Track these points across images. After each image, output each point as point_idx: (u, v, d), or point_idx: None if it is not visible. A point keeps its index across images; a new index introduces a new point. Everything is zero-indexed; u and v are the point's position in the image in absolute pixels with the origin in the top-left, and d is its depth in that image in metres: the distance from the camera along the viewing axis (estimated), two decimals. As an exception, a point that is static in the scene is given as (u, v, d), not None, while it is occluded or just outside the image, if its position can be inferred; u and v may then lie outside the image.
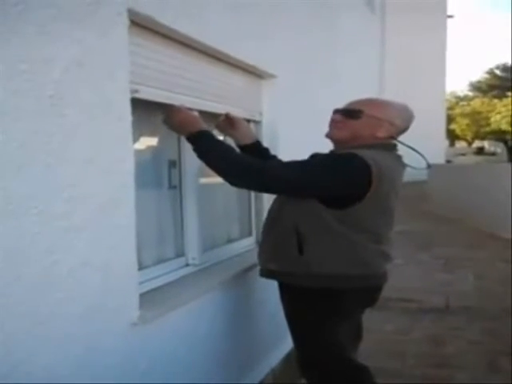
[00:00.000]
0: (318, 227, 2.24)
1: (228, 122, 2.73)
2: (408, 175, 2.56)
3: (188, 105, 2.49)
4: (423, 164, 2.50)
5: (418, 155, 2.41)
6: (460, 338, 4.41)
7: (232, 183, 2.33)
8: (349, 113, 2.38)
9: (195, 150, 2.28)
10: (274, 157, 2.83)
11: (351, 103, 2.42)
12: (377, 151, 2.25)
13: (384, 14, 8.66)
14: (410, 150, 2.37)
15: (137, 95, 2.12)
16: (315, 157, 2.39)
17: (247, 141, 2.76)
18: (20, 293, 1.55)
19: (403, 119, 2.40)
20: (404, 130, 2.43)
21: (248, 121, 3.06)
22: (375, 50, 8.43)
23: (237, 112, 2.87)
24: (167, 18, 2.17)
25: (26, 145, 1.53)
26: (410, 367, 3.83)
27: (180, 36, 2.35)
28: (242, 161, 2.27)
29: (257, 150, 2.75)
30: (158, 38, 2.30)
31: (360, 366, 2.47)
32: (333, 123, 2.42)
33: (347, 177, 2.16)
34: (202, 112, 2.68)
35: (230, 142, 2.84)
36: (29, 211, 1.55)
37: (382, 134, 2.34)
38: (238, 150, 2.68)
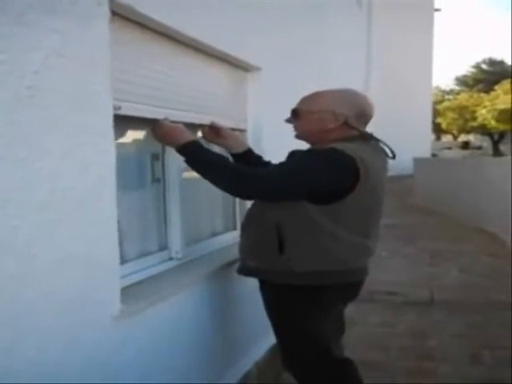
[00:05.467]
0: (300, 223, 2.22)
1: (213, 131, 2.72)
2: (394, 169, 2.56)
3: (168, 117, 2.48)
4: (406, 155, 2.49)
5: (400, 146, 2.40)
6: (443, 331, 4.45)
7: (227, 192, 2.35)
8: (292, 114, 2.43)
9: (186, 161, 2.27)
10: (269, 163, 2.78)
11: (298, 103, 2.45)
12: (354, 143, 2.24)
13: (371, 7, 8.65)
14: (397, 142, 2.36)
15: (119, 112, 2.12)
16: (295, 155, 2.37)
17: (239, 149, 2.74)
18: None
19: (350, 104, 2.35)
20: (360, 115, 2.36)
21: (233, 130, 3.05)
22: (362, 44, 8.43)
23: (221, 122, 2.82)
24: (148, 8, 2.15)
25: (2, 136, 1.50)
26: (393, 360, 3.86)
27: (162, 27, 2.33)
28: (234, 169, 2.24)
29: (249, 158, 2.74)
30: (141, 30, 2.28)
31: (344, 359, 2.48)
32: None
33: (336, 172, 2.14)
34: (185, 124, 2.65)
35: (221, 151, 2.83)
36: (6, 204, 1.53)
37: (332, 125, 2.32)
38: (230, 158, 2.68)
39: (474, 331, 4.44)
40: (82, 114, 1.80)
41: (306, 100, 2.43)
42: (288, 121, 2.46)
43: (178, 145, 2.29)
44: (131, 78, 2.28)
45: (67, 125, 1.74)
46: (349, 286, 2.40)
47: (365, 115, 2.39)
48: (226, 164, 2.26)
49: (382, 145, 2.39)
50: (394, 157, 2.38)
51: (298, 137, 2.47)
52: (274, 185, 2.17)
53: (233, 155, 2.74)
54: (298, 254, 2.24)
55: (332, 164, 2.14)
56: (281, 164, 2.27)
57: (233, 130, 3.03)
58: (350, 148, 2.17)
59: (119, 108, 2.12)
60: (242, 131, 3.37)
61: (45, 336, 1.71)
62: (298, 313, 2.34)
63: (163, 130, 2.38)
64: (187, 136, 2.33)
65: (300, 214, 2.21)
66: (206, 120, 2.75)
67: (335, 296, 2.37)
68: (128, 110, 2.23)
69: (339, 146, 2.18)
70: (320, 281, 2.27)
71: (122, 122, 2.25)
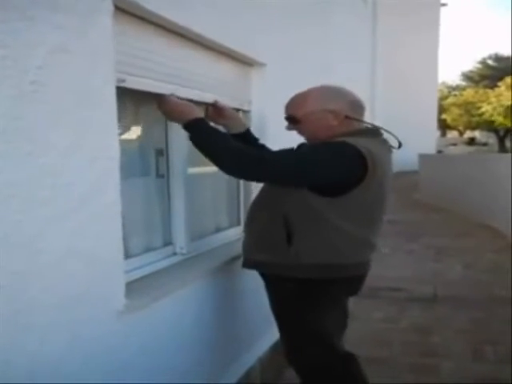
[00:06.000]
0: (307, 216, 2.23)
1: (216, 111, 2.72)
2: (399, 165, 2.57)
3: (175, 93, 2.48)
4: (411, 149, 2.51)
5: (405, 143, 2.41)
6: (447, 326, 4.45)
7: (228, 172, 2.32)
8: (290, 121, 2.44)
9: (191, 138, 2.27)
10: (263, 146, 2.83)
11: (286, 109, 2.45)
12: (363, 138, 2.25)
13: (376, 3, 8.61)
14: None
15: (122, 84, 2.10)
16: (304, 146, 2.38)
17: (238, 130, 2.76)
18: (2, 282, 1.53)
19: (340, 97, 2.38)
20: (353, 106, 2.39)
21: (237, 110, 3.05)
22: (367, 40, 8.39)
23: (225, 101, 2.85)
24: (153, 4, 2.14)
25: (6, 131, 1.50)
26: (397, 356, 3.86)
27: (166, 23, 2.32)
28: (240, 150, 2.23)
29: (247, 139, 2.76)
30: (144, 25, 2.27)
31: (347, 353, 2.49)
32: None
33: (343, 164, 2.15)
34: (190, 101, 2.67)
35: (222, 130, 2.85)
36: (10, 199, 1.53)
37: (334, 121, 2.33)
38: None
39: (477, 327, 4.44)
40: (85, 108, 1.80)
41: (295, 104, 2.42)
42: (289, 129, 2.47)
43: (185, 120, 2.28)
44: (136, 52, 2.26)
45: (71, 120, 1.74)
46: (353, 280, 2.42)
47: (358, 105, 2.42)
48: (230, 144, 2.25)
49: (387, 134, 2.41)
50: (399, 146, 2.40)
51: (307, 140, 2.48)
52: (278, 170, 2.19)
53: (232, 135, 2.73)
54: (305, 247, 2.25)
55: (340, 156, 2.15)
56: (288, 150, 2.27)
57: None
58: (358, 142, 2.17)
59: (123, 81, 2.10)
60: (246, 112, 3.37)
61: (48, 331, 1.71)
62: (302, 306, 2.35)
63: (170, 106, 2.37)
64: (196, 113, 2.32)
65: (307, 207, 2.22)
66: (210, 99, 2.75)
67: (340, 289, 2.39)
68: (133, 83, 2.21)
69: (349, 139, 2.19)
70: (326, 274, 2.28)
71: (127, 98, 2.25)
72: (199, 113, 2.35)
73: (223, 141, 2.26)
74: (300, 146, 2.41)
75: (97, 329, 1.92)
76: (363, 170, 2.14)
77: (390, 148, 2.39)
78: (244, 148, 2.29)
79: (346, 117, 2.33)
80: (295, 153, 2.26)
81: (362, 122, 2.41)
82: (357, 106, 2.41)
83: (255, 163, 2.18)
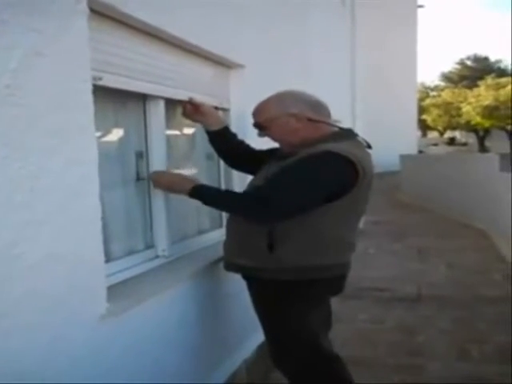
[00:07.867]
0: (293, 220, 2.23)
1: (193, 108, 2.73)
2: (381, 166, 2.58)
3: (154, 92, 2.54)
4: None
5: (387, 143, 2.42)
6: (431, 326, 4.46)
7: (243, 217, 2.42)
8: (259, 127, 2.48)
9: (205, 203, 2.39)
10: (242, 142, 2.88)
11: (252, 116, 2.51)
12: (344, 142, 2.26)
13: (354, 5, 8.65)
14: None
15: (100, 83, 2.09)
16: (295, 166, 2.27)
17: (216, 127, 2.79)
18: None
19: (296, 100, 2.40)
20: (315, 107, 2.40)
21: (216, 108, 3.05)
22: (346, 41, 8.42)
23: (204, 99, 2.86)
24: (129, 7, 2.13)
25: (-19, 135, 1.49)
26: (382, 356, 3.86)
27: (143, 25, 2.32)
28: (238, 199, 2.38)
29: (225, 136, 2.81)
30: (121, 27, 2.26)
31: (332, 354, 2.48)
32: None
33: (336, 177, 2.18)
34: (167, 99, 2.69)
35: (199, 128, 2.91)
36: (-14, 203, 1.51)
37: (297, 124, 2.35)
38: (207, 136, 2.82)
39: (461, 326, 4.45)
40: (62, 111, 1.78)
41: (258, 111, 2.47)
42: (260, 135, 2.50)
43: (188, 190, 2.37)
44: (113, 49, 2.26)
45: (48, 123, 1.72)
46: (336, 280, 2.42)
47: (318, 105, 2.42)
48: (231, 195, 2.48)
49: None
50: (369, 147, 2.42)
51: (281, 145, 2.50)
52: (281, 206, 2.20)
53: (210, 132, 2.80)
54: (288, 250, 2.25)
55: (330, 170, 2.17)
56: (284, 183, 2.23)
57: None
58: (342, 147, 2.18)
59: (100, 79, 2.10)
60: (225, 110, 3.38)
61: (30, 335, 1.69)
62: (286, 308, 2.35)
63: (168, 180, 2.54)
64: (192, 181, 2.46)
65: None
66: (186, 96, 2.77)
67: (323, 290, 2.40)
68: (109, 81, 2.20)
69: (333, 147, 2.19)
70: (310, 275, 2.28)
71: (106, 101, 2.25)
72: (192, 181, 2.47)
73: (225, 196, 2.46)
74: (270, 151, 2.44)
75: (79, 332, 1.90)
76: (354, 175, 2.16)
77: (365, 147, 2.40)
78: (239, 195, 2.48)
79: (309, 119, 2.33)
80: (291, 185, 2.21)
81: (326, 123, 2.39)
82: (317, 107, 2.41)
83: (254, 206, 2.25)
